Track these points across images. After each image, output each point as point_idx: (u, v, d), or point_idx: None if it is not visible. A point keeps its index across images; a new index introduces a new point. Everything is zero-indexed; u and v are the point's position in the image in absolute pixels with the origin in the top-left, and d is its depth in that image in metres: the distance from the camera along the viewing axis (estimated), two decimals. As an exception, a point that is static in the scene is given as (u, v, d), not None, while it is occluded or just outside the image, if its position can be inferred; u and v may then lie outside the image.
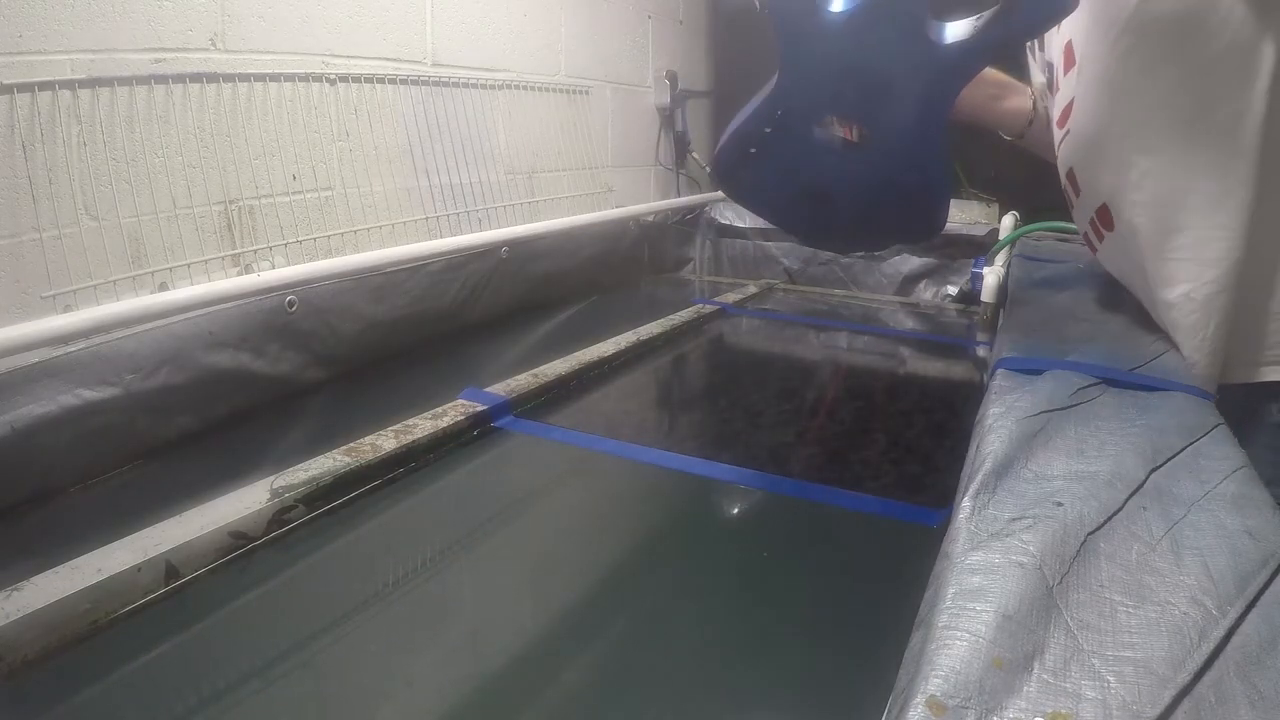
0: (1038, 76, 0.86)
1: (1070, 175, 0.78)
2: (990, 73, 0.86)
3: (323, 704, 0.53)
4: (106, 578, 0.57)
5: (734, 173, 0.70)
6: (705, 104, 2.11)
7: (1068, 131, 0.74)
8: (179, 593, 0.61)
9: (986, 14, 0.57)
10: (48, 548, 0.61)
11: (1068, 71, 0.73)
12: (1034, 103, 0.88)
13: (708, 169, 2.08)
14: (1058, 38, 0.75)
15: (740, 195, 0.75)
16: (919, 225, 0.73)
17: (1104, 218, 0.74)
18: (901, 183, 0.66)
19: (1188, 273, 0.64)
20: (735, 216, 1.96)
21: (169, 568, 0.61)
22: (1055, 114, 0.78)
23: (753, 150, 0.67)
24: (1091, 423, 0.53)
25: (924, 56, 0.59)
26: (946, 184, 0.68)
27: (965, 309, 1.65)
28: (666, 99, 1.95)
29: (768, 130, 0.66)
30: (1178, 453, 0.49)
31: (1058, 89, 0.77)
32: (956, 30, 0.58)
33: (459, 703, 0.52)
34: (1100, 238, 0.76)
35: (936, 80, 0.60)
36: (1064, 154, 0.77)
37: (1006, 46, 0.60)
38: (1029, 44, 0.85)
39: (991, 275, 1.28)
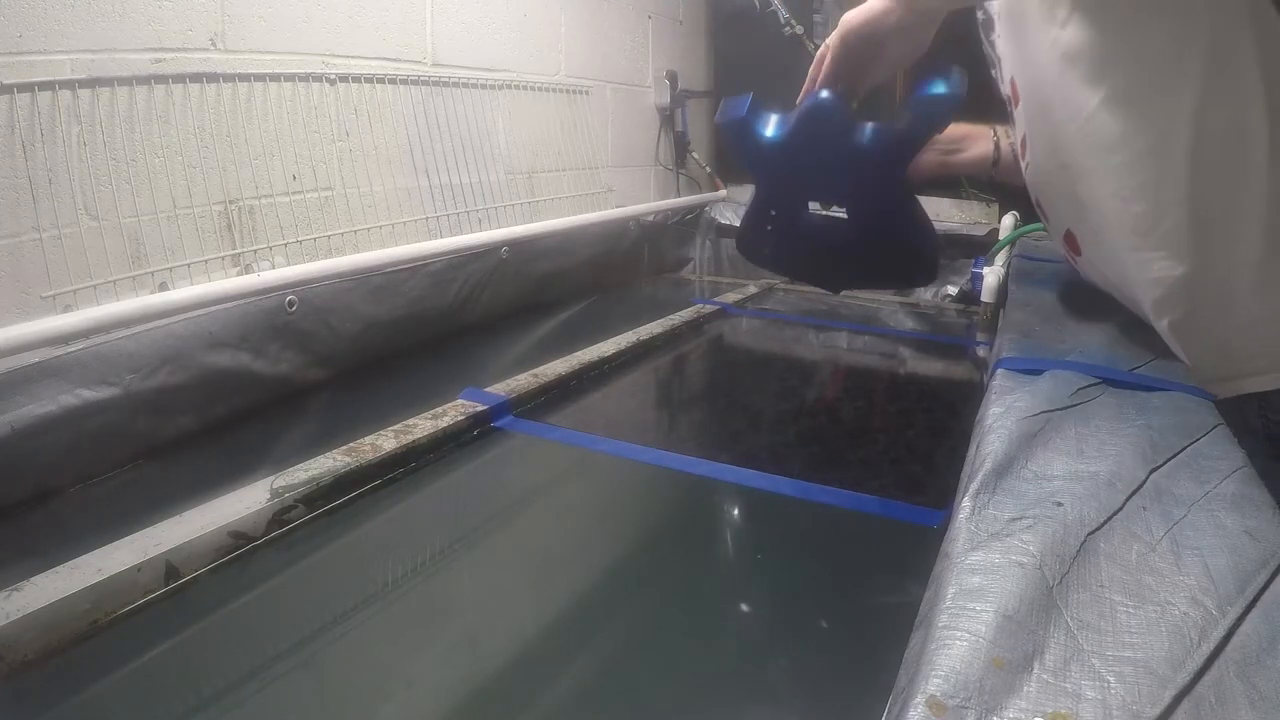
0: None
1: (1038, 204, 0.80)
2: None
3: (323, 704, 0.53)
4: (106, 578, 0.57)
5: (755, 250, 0.85)
6: (705, 104, 2.11)
7: (1028, 163, 0.75)
8: (179, 593, 0.61)
9: (898, 119, 0.69)
10: (48, 548, 0.61)
11: (1017, 106, 0.74)
12: (997, 143, 0.91)
13: (708, 168, 2.08)
14: (1007, 72, 0.75)
15: (764, 264, 0.89)
16: (910, 273, 0.86)
17: (1071, 242, 0.75)
18: (883, 244, 0.78)
19: (1139, 293, 0.64)
20: (735, 217, 1.95)
21: (169, 568, 0.61)
22: (1018, 146, 0.79)
23: (769, 227, 0.81)
24: (1091, 423, 0.54)
25: (856, 156, 0.70)
26: (924, 239, 0.77)
27: (965, 309, 1.65)
28: (666, 99, 1.95)
29: (773, 213, 0.80)
30: (1178, 453, 0.49)
31: (1014, 123, 0.78)
32: (877, 133, 0.69)
33: (459, 703, 0.52)
34: (1075, 259, 0.78)
35: (876, 169, 0.71)
36: (1029, 183, 0.79)
37: (919, 142, 0.70)
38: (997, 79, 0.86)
39: (991, 275, 1.28)
